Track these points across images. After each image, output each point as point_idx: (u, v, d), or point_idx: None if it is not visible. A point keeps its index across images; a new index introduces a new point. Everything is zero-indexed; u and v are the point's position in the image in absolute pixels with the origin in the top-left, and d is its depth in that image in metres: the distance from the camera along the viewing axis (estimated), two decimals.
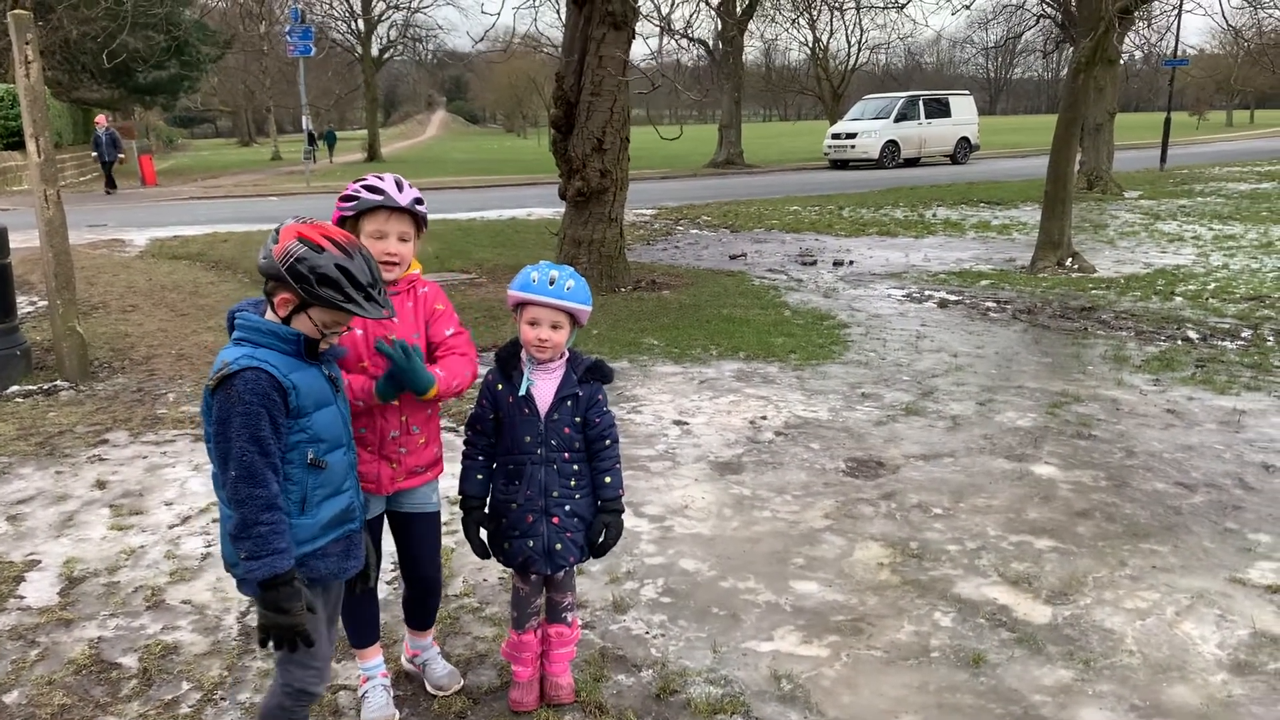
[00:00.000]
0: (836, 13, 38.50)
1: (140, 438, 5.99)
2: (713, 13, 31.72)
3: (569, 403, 2.97)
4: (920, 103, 34.30)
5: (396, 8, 50.02)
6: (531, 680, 3.19)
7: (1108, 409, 6.32)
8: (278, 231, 2.38)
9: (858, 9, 35.80)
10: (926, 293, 10.49)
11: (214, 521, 4.71)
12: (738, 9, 34.27)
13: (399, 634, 3.55)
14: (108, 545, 4.48)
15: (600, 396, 3.03)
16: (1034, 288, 10.67)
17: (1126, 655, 3.46)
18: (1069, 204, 12.15)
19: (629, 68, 10.72)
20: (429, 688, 3.24)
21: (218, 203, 24.71)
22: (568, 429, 2.97)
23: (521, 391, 2.94)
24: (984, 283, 11.07)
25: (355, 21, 48.57)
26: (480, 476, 3.03)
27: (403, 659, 3.39)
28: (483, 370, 3.12)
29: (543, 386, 2.97)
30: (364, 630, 3.15)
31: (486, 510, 3.06)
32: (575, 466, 3.00)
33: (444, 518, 3.65)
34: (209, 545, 4.45)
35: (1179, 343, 8.10)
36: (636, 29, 10.88)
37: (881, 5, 31.33)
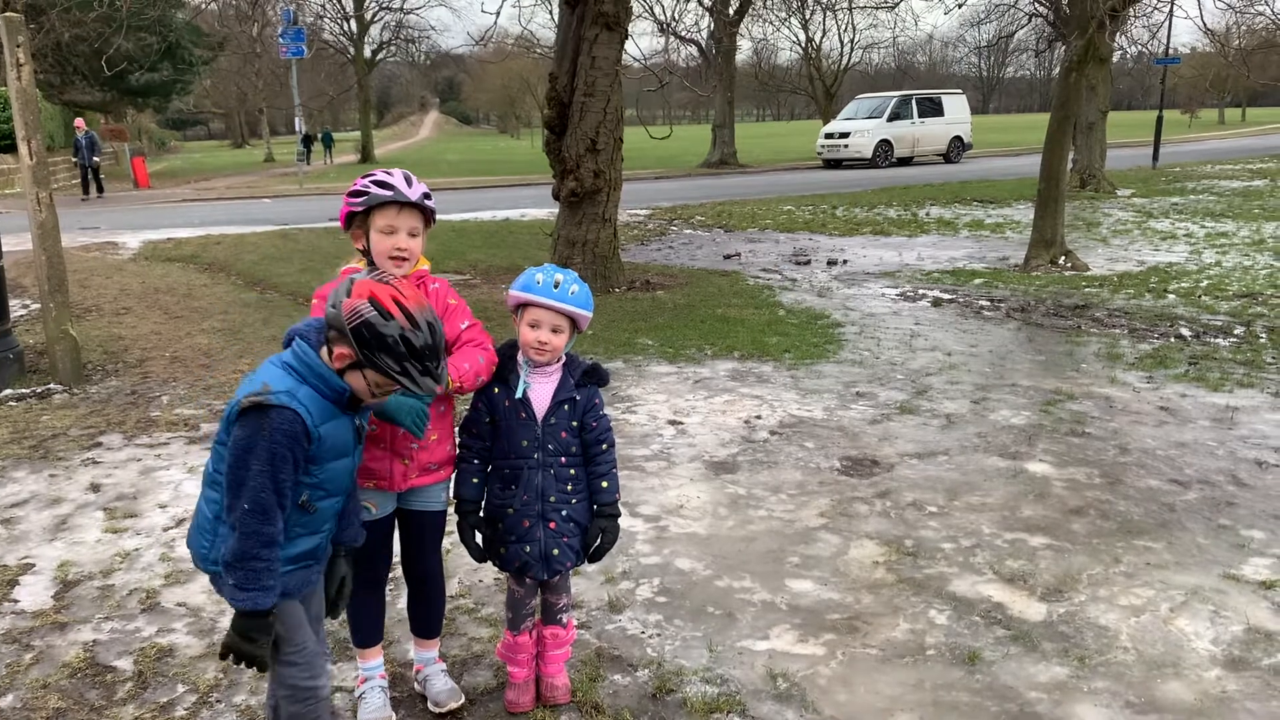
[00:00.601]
0: (829, 13, 38.63)
1: (134, 440, 5.98)
2: (705, 12, 31.78)
3: (566, 407, 2.96)
4: (913, 102, 34.34)
5: (389, 9, 50.01)
6: (527, 681, 3.18)
7: (1101, 406, 6.34)
8: (353, 283, 2.36)
9: (850, 9, 35.89)
10: (920, 291, 10.50)
11: None
12: (730, 9, 34.30)
13: (394, 635, 3.56)
14: (102, 548, 4.47)
15: (597, 400, 3.02)
16: (1027, 286, 10.69)
17: (1121, 652, 3.47)
18: (1062, 202, 12.18)
19: (622, 68, 10.73)
20: (429, 704, 3.20)
21: (211, 205, 24.67)
22: (565, 433, 2.96)
23: (518, 394, 2.92)
24: (977, 281, 11.09)
25: (348, 23, 48.55)
26: (476, 480, 3.01)
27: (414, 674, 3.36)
28: None
29: (540, 390, 2.95)
30: (366, 630, 3.14)
31: (482, 514, 3.05)
32: (572, 471, 2.99)
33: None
34: None
35: (1172, 340, 8.12)
36: (630, 29, 10.89)
37: (874, 5, 31.41)
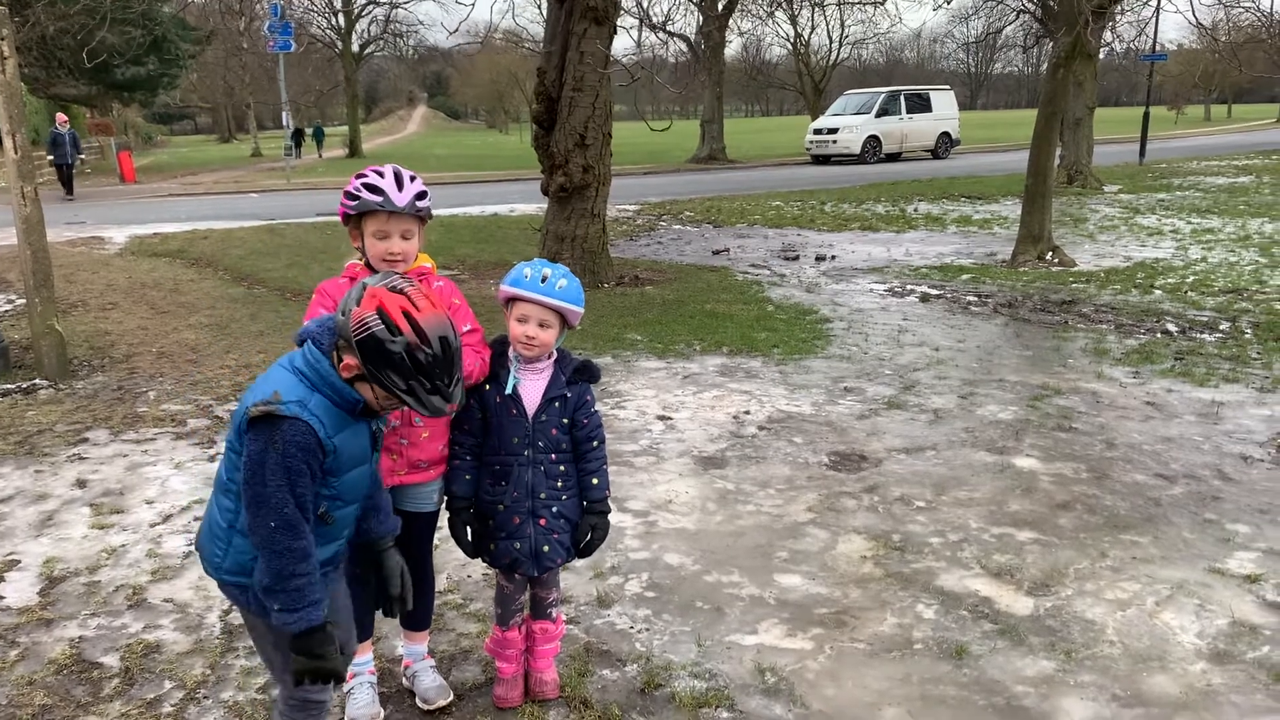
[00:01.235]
0: (818, 9, 38.66)
1: (121, 436, 5.95)
2: (694, 7, 31.76)
3: (557, 404, 2.95)
4: (901, 98, 34.39)
5: (376, 3, 49.76)
6: (516, 676, 3.18)
7: (1088, 402, 6.37)
8: (364, 289, 2.25)
9: (839, 5, 35.93)
10: (908, 287, 10.52)
11: (196, 520, 4.68)
12: (719, 4, 34.28)
13: (383, 631, 3.55)
14: (88, 544, 4.45)
15: (588, 397, 3.01)
16: (1015, 281, 10.73)
17: (1107, 645, 3.49)
18: (1049, 198, 12.22)
19: (611, 62, 10.71)
20: (417, 701, 3.18)
21: (198, 199, 24.55)
22: (555, 430, 2.96)
23: (508, 389, 2.91)
24: (965, 277, 11.12)
25: (335, 17, 48.31)
26: (468, 477, 3.00)
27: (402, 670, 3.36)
28: None
29: (530, 387, 2.94)
30: (356, 626, 3.13)
31: (473, 510, 3.04)
32: (562, 468, 2.98)
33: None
34: (190, 544, 4.43)
35: (1158, 335, 8.16)
36: (618, 23, 10.87)
37: (862, 1, 31.44)
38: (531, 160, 13.14)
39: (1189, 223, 15.43)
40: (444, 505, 3.08)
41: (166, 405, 6.56)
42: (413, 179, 2.84)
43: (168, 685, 3.32)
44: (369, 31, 52.81)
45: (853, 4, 36.02)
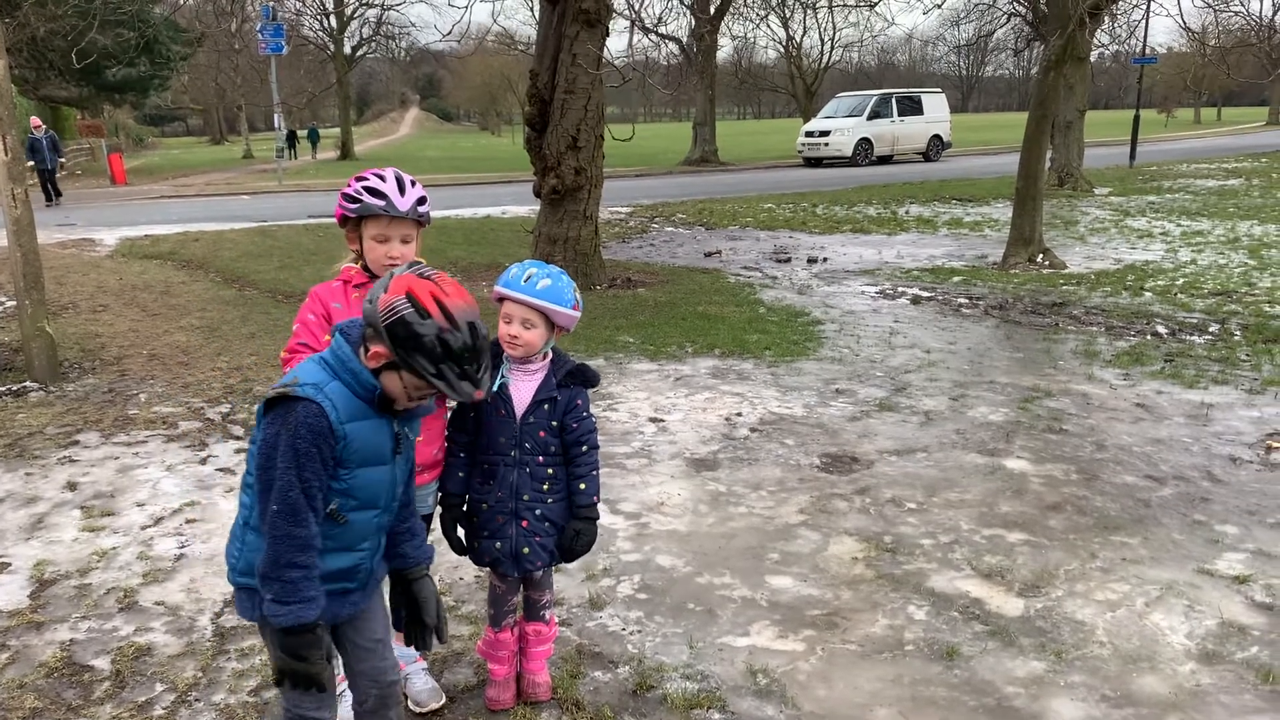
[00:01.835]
0: (809, 11, 38.72)
1: (111, 439, 5.93)
2: (685, 9, 31.79)
3: (546, 406, 2.94)
4: (893, 100, 34.48)
5: (369, 5, 49.73)
6: (508, 678, 3.18)
7: (1078, 403, 6.39)
8: (391, 278, 2.22)
9: (830, 8, 35.99)
10: (899, 289, 10.55)
11: (187, 522, 4.68)
12: (711, 7, 34.32)
13: None
14: (79, 547, 4.44)
15: (580, 401, 2.99)
16: (1005, 284, 10.76)
17: (1097, 646, 3.51)
18: (1040, 201, 12.26)
19: (603, 65, 10.72)
20: (409, 703, 3.17)
21: (189, 201, 24.49)
22: (543, 432, 2.95)
23: (494, 387, 2.91)
24: (956, 279, 11.15)
25: (327, 19, 48.25)
26: (461, 475, 2.99)
27: None
28: None
29: (521, 388, 2.94)
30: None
31: (465, 508, 3.05)
32: (550, 470, 2.97)
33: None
34: (182, 546, 4.42)
35: (1148, 338, 8.19)
36: (610, 26, 10.89)
37: (854, 4, 31.51)
38: (524, 162, 13.16)
39: (1179, 225, 15.50)
40: (437, 503, 3.08)
41: (158, 408, 6.54)
42: (413, 183, 2.84)
43: (159, 688, 3.31)
44: (361, 33, 52.81)
45: (845, 7, 36.08)
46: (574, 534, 2.99)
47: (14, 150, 6.89)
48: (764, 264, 12.64)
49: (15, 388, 7.03)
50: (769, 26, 43.19)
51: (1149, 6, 23.57)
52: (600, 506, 3.11)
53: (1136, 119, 29.81)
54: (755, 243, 14.75)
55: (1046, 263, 11.90)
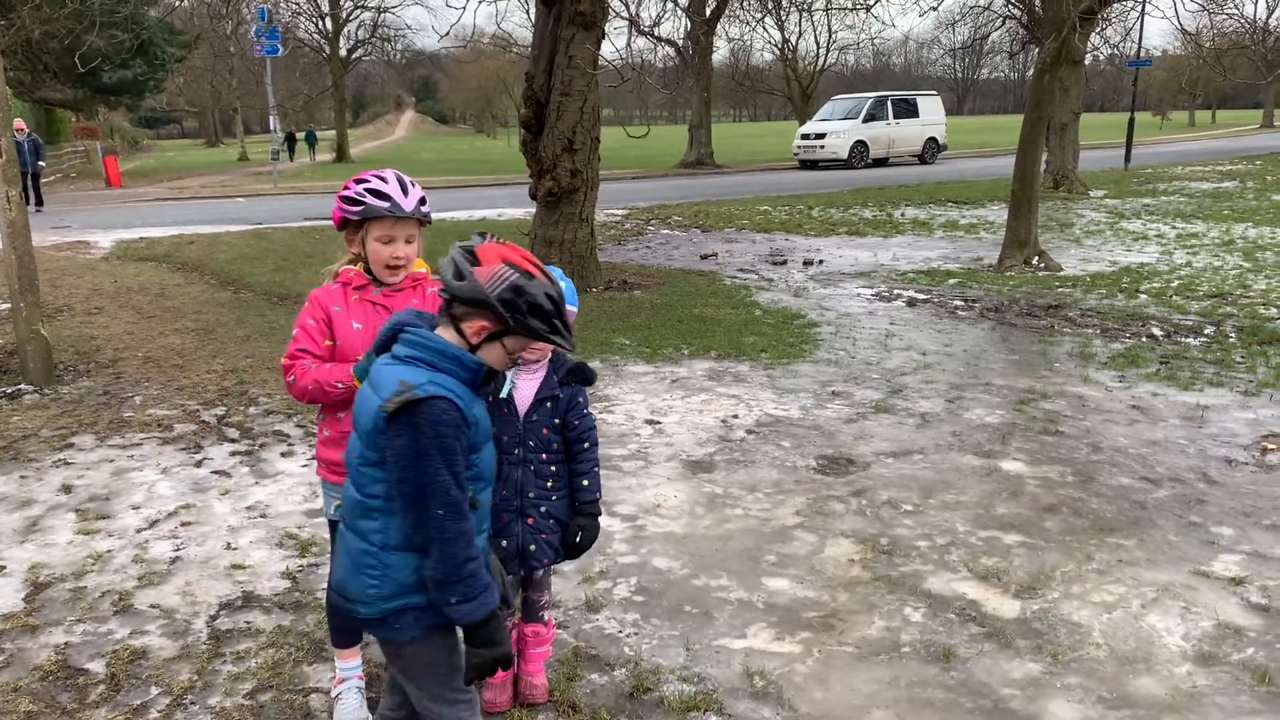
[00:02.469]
0: (804, 14, 38.77)
1: (107, 441, 5.92)
2: (681, 13, 31.83)
3: (548, 404, 2.96)
4: (888, 103, 34.51)
5: (364, 7, 49.68)
6: (505, 680, 3.18)
7: (1074, 405, 6.40)
8: (472, 252, 2.17)
9: (826, 10, 36.04)
10: (895, 291, 10.56)
11: (183, 525, 4.67)
12: (706, 10, 34.34)
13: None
14: (74, 550, 4.42)
15: (581, 399, 3.02)
16: (1001, 286, 10.77)
17: (1093, 648, 3.51)
18: (1035, 203, 12.28)
19: (599, 67, 10.73)
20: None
21: (184, 204, 24.46)
22: (546, 430, 2.97)
23: (503, 393, 2.92)
24: (952, 281, 11.16)
25: (323, 21, 48.20)
26: None
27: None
28: None
29: (523, 387, 2.96)
30: (346, 630, 3.12)
31: None
32: (553, 468, 2.99)
33: None
34: (177, 549, 4.41)
35: (1143, 340, 8.20)
36: (606, 28, 10.89)
37: (850, 7, 31.56)
38: (519, 165, 13.15)
39: (1174, 227, 15.53)
40: None
41: (153, 410, 6.53)
42: (413, 184, 2.85)
43: (154, 691, 3.30)
44: (356, 36, 52.76)
45: (840, 10, 36.14)
46: (578, 530, 3.02)
47: (8, 153, 6.88)
48: (760, 266, 12.65)
49: (10, 390, 7.01)
50: (765, 29, 43.13)
51: (1144, 9, 23.61)
52: (600, 507, 3.12)
53: (1131, 121, 29.86)
54: (751, 245, 14.76)
55: (1042, 265, 11.91)
